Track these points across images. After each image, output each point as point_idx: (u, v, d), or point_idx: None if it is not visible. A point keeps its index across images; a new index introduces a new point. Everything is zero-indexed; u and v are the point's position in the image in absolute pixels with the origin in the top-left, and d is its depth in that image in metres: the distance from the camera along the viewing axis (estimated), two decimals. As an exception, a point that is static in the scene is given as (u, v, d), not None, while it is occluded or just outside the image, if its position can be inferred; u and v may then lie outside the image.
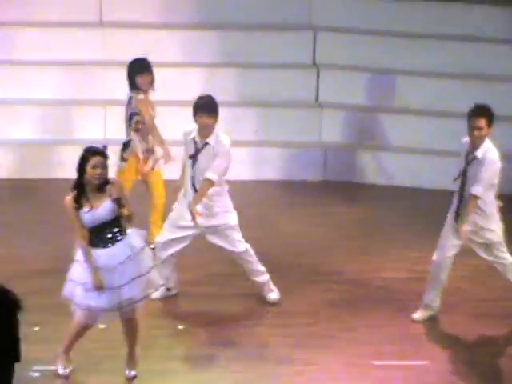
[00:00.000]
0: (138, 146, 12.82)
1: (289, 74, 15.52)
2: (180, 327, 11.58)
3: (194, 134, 11.72)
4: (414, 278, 12.57)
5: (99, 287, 10.01)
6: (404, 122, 15.34)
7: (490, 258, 11.86)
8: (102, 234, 10.19)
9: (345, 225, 13.84)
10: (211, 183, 11.46)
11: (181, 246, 12.07)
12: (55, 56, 15.25)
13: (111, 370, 10.59)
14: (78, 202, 10.02)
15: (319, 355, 11.12)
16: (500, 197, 11.94)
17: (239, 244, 11.86)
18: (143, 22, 15.78)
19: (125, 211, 10.16)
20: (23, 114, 15.00)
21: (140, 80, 12.51)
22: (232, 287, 12.42)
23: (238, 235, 11.85)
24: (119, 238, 10.21)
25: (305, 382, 10.71)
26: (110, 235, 10.19)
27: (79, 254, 10.26)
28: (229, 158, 11.92)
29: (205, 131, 11.63)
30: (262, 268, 12.03)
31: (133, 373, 10.46)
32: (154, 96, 12.79)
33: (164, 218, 12.48)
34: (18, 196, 14.25)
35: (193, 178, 11.81)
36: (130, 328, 10.44)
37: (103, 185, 10.01)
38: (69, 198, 9.99)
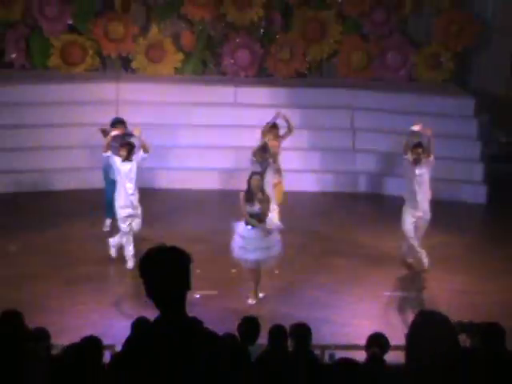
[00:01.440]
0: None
1: (337, 134, 15.23)
2: (276, 271, 11.37)
3: None
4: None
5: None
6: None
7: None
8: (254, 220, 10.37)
9: (369, 219, 13.45)
10: None
11: None
12: (214, 121, 15.13)
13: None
14: (246, 198, 10.25)
15: (354, 289, 11.19)
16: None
17: None
18: (259, 103, 15.44)
19: (264, 208, 10.40)
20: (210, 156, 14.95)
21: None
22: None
23: None
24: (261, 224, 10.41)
25: (343, 306, 10.80)
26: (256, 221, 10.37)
27: (238, 226, 10.49)
28: None
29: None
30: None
31: (254, 301, 10.58)
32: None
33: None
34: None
35: None
36: (257, 274, 10.59)
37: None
38: (242, 193, 10.31)
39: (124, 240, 11.37)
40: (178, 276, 3.98)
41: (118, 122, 12.21)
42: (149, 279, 3.98)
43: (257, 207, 10.37)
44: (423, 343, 3.51)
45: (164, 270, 3.96)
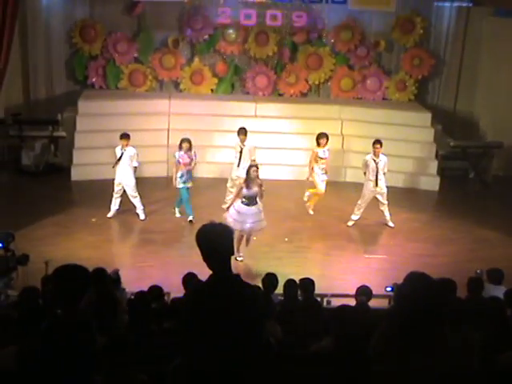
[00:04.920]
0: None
1: (331, 138, 14.28)
2: (286, 239, 11.31)
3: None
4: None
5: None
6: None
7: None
8: (249, 200, 10.03)
9: (354, 201, 12.73)
10: None
11: None
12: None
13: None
14: (246, 184, 9.93)
15: (341, 252, 11.09)
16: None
17: None
18: (273, 115, 15.37)
19: (261, 191, 10.08)
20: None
21: None
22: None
23: None
24: (255, 203, 10.03)
25: (334, 265, 10.70)
26: (251, 201, 10.02)
27: (235, 204, 10.14)
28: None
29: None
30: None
31: (241, 258, 10.20)
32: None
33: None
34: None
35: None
36: (248, 240, 10.34)
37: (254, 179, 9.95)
38: (241, 182, 9.92)
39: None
40: (224, 244, 3.89)
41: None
42: (204, 248, 3.90)
43: (252, 191, 10.01)
44: (413, 294, 3.49)
45: (214, 240, 3.88)
